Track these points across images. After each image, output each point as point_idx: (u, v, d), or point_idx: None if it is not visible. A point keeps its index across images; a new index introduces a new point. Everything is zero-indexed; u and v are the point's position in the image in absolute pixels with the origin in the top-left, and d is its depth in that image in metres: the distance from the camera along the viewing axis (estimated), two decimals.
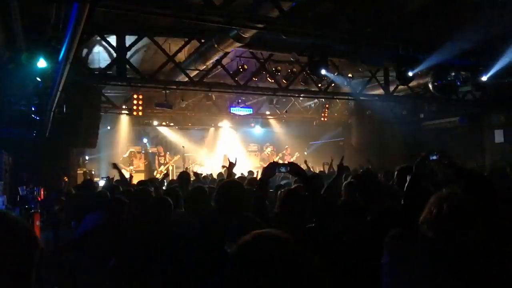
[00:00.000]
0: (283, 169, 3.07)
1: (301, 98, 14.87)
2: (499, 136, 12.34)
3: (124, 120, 15.92)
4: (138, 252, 3.18)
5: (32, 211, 5.47)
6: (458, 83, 8.56)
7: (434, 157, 2.81)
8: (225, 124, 17.84)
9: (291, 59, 10.60)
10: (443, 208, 1.79)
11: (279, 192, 3.57)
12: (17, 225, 1.16)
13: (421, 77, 10.28)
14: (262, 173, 3.16)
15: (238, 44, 7.45)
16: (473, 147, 12.64)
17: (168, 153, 16.64)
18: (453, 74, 8.31)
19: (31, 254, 1.15)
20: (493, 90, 11.92)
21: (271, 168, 3.05)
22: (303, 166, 8.37)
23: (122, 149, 16.18)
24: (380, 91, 11.81)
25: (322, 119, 16.06)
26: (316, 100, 15.31)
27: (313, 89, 11.35)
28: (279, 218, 2.98)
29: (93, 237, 3.88)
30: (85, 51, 9.51)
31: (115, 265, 3.34)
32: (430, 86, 8.62)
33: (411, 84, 10.08)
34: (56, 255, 4.17)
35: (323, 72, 6.57)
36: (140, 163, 16.18)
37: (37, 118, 8.47)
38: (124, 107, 14.47)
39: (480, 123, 12.96)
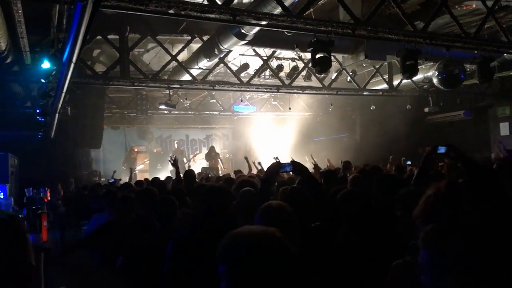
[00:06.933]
0: (287, 169, 3.05)
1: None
2: (504, 129, 12.26)
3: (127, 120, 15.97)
4: (144, 251, 3.18)
5: (39, 211, 5.51)
6: (463, 76, 8.49)
7: (442, 151, 2.76)
8: (228, 122, 17.84)
9: (294, 55, 10.58)
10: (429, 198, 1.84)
11: (280, 189, 3.53)
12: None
13: (425, 70, 10.23)
14: (266, 173, 3.14)
15: (241, 42, 7.44)
16: (479, 140, 12.56)
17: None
18: (458, 67, 8.24)
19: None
20: (498, 83, 11.85)
21: (275, 168, 3.03)
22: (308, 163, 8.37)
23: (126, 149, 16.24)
24: (384, 86, 11.77)
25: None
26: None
27: (316, 86, 11.32)
28: None
29: (100, 236, 3.89)
30: None
31: (122, 265, 3.35)
32: (434, 79, 8.55)
33: (415, 78, 10.01)
34: (63, 255, 4.19)
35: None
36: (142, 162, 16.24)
37: (42, 119, 8.52)
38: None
39: (486, 116, 12.87)
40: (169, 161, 6.15)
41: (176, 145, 16.62)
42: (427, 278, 1.31)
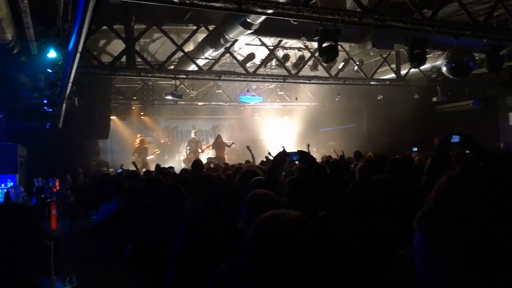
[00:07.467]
0: (294, 158, 3.05)
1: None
2: None
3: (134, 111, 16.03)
4: (152, 240, 3.21)
5: (48, 200, 5.58)
6: (472, 65, 8.37)
7: (456, 140, 2.72)
8: (235, 113, 17.80)
9: (301, 45, 10.50)
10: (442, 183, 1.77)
11: (287, 179, 3.53)
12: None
13: (433, 59, 10.11)
14: (272, 162, 3.14)
15: (246, 31, 7.39)
16: (487, 130, 12.42)
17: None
18: (467, 56, 8.13)
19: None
20: (508, 72, 11.67)
21: (281, 157, 3.03)
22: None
23: (133, 139, 16.28)
24: (391, 75, 11.66)
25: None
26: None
27: (323, 75, 11.25)
28: (288, 206, 2.95)
29: (109, 225, 3.93)
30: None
31: (131, 253, 3.38)
32: (443, 68, 8.45)
33: (423, 68, 9.89)
34: (73, 244, 4.25)
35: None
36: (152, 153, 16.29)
37: (50, 110, 8.57)
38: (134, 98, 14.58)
39: (495, 106, 12.72)
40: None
41: (192, 134, 16.55)
42: (420, 261, 1.28)
